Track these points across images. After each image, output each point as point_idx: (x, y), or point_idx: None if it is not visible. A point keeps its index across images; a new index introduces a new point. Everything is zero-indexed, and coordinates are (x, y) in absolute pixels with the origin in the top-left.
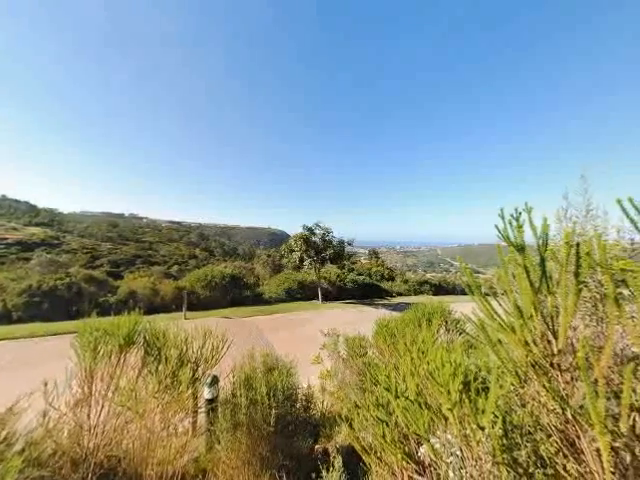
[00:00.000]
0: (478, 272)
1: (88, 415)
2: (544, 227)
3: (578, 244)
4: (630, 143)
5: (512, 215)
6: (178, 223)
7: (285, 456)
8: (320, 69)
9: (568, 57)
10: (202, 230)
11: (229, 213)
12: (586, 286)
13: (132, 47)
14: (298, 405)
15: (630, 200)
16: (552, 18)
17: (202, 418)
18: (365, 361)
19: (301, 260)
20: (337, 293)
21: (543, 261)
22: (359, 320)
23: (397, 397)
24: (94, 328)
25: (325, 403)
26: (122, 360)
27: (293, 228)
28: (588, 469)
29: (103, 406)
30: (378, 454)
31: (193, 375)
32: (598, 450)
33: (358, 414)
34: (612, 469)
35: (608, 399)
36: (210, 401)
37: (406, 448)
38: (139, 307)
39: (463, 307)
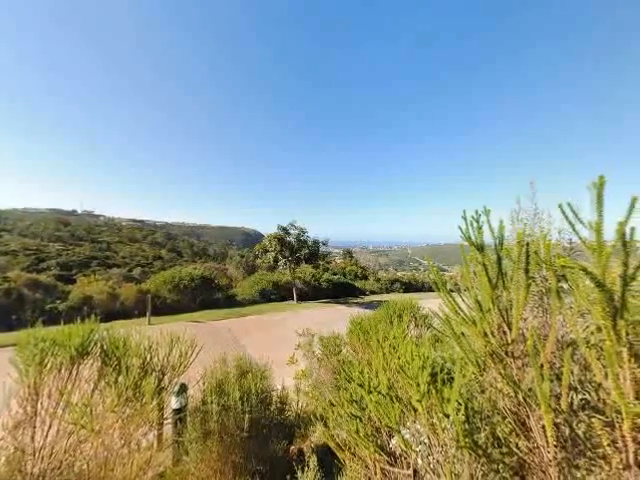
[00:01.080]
0: (444, 270)
1: (32, 437)
2: (500, 228)
3: (528, 244)
4: (577, 149)
5: (473, 217)
6: (141, 222)
7: (259, 461)
8: (291, 69)
9: (521, 66)
10: (169, 229)
11: (199, 212)
12: (534, 281)
13: (89, 31)
14: (273, 407)
15: (569, 205)
16: (507, 35)
17: (169, 430)
18: (340, 359)
19: (276, 260)
20: (312, 293)
21: (499, 259)
22: (334, 319)
23: (370, 392)
24: (40, 339)
25: (300, 403)
26: (74, 373)
27: (267, 228)
28: (536, 444)
29: (51, 426)
30: (352, 449)
31: (159, 385)
32: (544, 427)
33: (333, 412)
34: (555, 442)
35: (551, 381)
36: (178, 411)
37: (378, 441)
38: (95, 314)
39: (431, 303)
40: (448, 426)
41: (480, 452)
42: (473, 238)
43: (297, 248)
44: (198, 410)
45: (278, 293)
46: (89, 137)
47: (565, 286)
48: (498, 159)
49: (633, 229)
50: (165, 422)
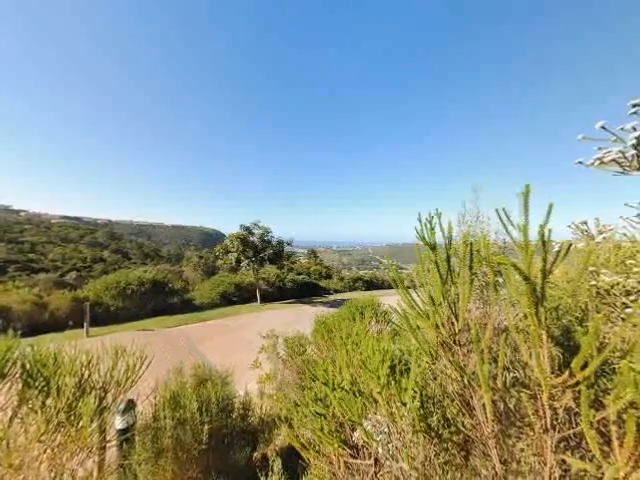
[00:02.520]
0: (402, 268)
1: None
2: (449, 230)
3: (471, 244)
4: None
5: (427, 219)
6: (77, 219)
7: (219, 473)
8: (259, 68)
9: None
10: (113, 228)
11: (151, 210)
12: (476, 277)
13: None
14: (235, 415)
15: (503, 209)
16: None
17: (113, 453)
18: (304, 359)
19: (238, 261)
20: (277, 293)
21: (449, 258)
22: (299, 319)
23: (334, 389)
24: None
25: (264, 407)
26: None
27: (230, 228)
28: (477, 421)
29: None
30: (317, 447)
31: (100, 404)
32: (484, 405)
33: (297, 412)
34: (492, 417)
35: (490, 364)
36: (124, 431)
37: (342, 436)
38: (14, 327)
39: (390, 300)
40: (405, 413)
41: (433, 434)
42: (427, 238)
43: (261, 248)
44: (149, 427)
45: (241, 295)
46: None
47: (500, 280)
48: (451, 164)
49: (550, 230)
50: (108, 445)
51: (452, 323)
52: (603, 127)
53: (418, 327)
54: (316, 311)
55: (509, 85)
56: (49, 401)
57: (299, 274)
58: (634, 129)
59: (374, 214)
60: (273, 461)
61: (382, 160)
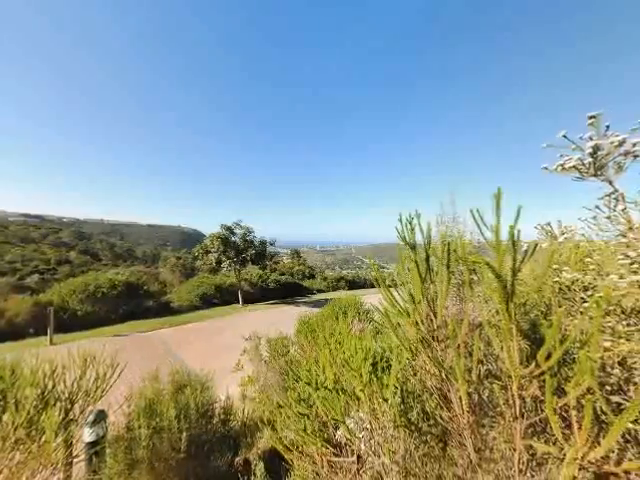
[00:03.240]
0: (383, 267)
1: None
2: (428, 230)
3: (449, 243)
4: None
5: (407, 219)
6: (39, 217)
7: None
8: (242, 67)
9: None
10: (80, 227)
11: (125, 208)
12: (453, 275)
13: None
14: (215, 420)
15: (477, 211)
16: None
17: (81, 468)
18: (287, 360)
19: (219, 262)
20: (259, 294)
21: (428, 257)
22: (282, 320)
23: (317, 389)
24: None
25: (246, 411)
26: None
27: (209, 228)
28: (454, 413)
29: None
30: (300, 448)
31: (66, 416)
32: (460, 397)
33: (281, 414)
34: (468, 409)
35: (465, 357)
36: (93, 444)
37: (325, 435)
38: None
39: (372, 299)
40: (387, 409)
41: (413, 428)
42: (407, 238)
43: (243, 248)
44: (121, 439)
45: (222, 297)
46: None
47: (475, 278)
48: (431, 166)
49: (519, 231)
50: (76, 460)
51: (431, 320)
52: (564, 136)
53: (399, 324)
54: (299, 311)
55: (487, 91)
56: (6, 416)
57: (282, 274)
58: (591, 139)
59: (357, 214)
60: (255, 465)
61: (365, 161)
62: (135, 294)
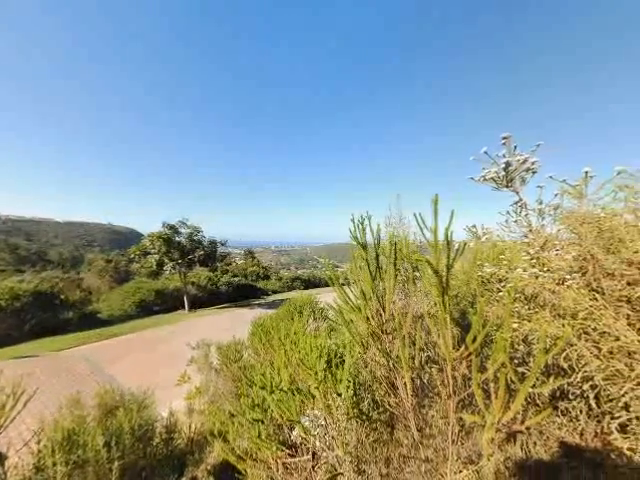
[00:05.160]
0: (337, 266)
1: None
2: (378, 230)
3: (395, 243)
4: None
5: (359, 220)
6: None
7: None
8: (203, 61)
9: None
10: None
11: (36, 203)
12: (399, 272)
13: None
14: (156, 441)
15: (420, 214)
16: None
17: None
18: (241, 365)
19: (160, 264)
20: (209, 298)
21: (377, 256)
22: (234, 324)
23: (272, 392)
24: None
25: (193, 426)
26: None
27: (151, 226)
28: (400, 398)
29: None
30: (254, 456)
31: None
32: (405, 383)
33: (233, 423)
34: (411, 393)
35: (410, 347)
36: None
37: (280, 437)
38: None
39: (327, 297)
40: (341, 403)
41: (364, 417)
42: (359, 238)
43: (190, 249)
44: None
45: (164, 303)
46: None
47: (418, 274)
48: (381, 172)
49: (452, 232)
50: None
51: (380, 314)
52: (485, 152)
53: (351, 321)
54: (254, 314)
55: (446, 99)
56: None
57: (235, 276)
58: (504, 156)
59: (312, 215)
60: None
61: (316, 162)
62: (48, 305)
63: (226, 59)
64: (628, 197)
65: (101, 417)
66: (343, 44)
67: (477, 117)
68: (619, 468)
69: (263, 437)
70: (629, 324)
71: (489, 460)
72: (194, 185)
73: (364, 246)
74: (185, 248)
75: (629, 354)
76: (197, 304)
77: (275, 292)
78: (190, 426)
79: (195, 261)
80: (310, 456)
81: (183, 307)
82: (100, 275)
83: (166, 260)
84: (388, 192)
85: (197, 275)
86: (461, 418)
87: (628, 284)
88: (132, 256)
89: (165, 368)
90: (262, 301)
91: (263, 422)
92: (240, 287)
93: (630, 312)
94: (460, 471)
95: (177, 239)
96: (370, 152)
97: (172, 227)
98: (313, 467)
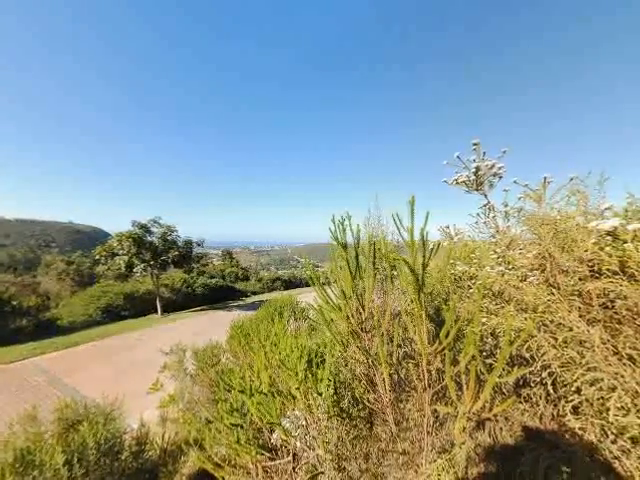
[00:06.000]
0: (318, 266)
1: None
2: (357, 231)
3: (374, 243)
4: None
5: (339, 221)
6: None
7: None
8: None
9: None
10: None
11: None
12: (378, 271)
13: None
14: (125, 455)
15: (397, 215)
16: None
17: None
18: (218, 369)
19: (130, 266)
20: (184, 301)
21: (357, 255)
22: (212, 327)
23: (252, 395)
24: None
25: (167, 435)
26: None
27: (119, 226)
28: (379, 394)
29: None
30: (232, 462)
31: None
32: (384, 379)
33: (210, 430)
34: (389, 388)
35: (388, 344)
36: None
37: (260, 441)
38: None
39: (308, 297)
40: (321, 402)
41: (344, 415)
42: (339, 238)
43: (163, 250)
44: None
45: (134, 307)
46: None
47: (395, 273)
48: (361, 173)
49: (427, 232)
50: None
51: (360, 313)
52: (458, 157)
53: (332, 320)
54: (232, 316)
55: (408, 104)
56: None
57: (212, 277)
58: (474, 161)
59: (293, 214)
60: None
61: (302, 162)
62: None
63: (204, 53)
64: (579, 201)
65: (61, 433)
66: (307, 53)
67: (452, 121)
68: (571, 447)
69: (242, 442)
70: (580, 316)
71: (461, 448)
72: (170, 185)
73: (344, 246)
74: (158, 248)
75: (580, 343)
76: (171, 308)
77: (255, 293)
78: (163, 436)
79: (169, 262)
80: (290, 458)
81: (156, 311)
82: (60, 278)
83: (136, 261)
84: (369, 192)
85: (171, 277)
86: (436, 410)
87: (579, 279)
88: (97, 257)
89: (135, 376)
90: (241, 303)
91: (242, 427)
92: (218, 289)
93: (581, 305)
94: (434, 460)
95: (149, 239)
96: (352, 152)
97: (143, 226)
98: (294, 468)
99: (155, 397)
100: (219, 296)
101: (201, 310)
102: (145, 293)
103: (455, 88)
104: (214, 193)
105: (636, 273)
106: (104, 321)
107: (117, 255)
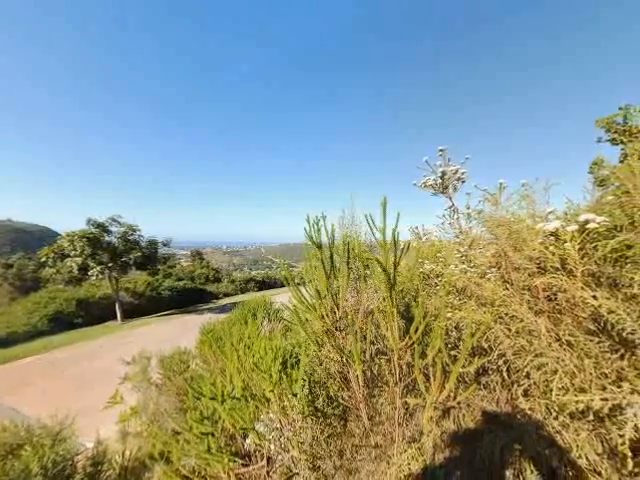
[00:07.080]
0: (293, 266)
1: None
2: (332, 231)
3: (348, 243)
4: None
5: (314, 221)
6: None
7: None
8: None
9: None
10: None
11: None
12: (352, 270)
13: None
14: (78, 477)
15: (370, 215)
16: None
17: None
18: (187, 377)
19: (84, 269)
20: (149, 306)
21: (332, 255)
22: (180, 333)
23: (223, 401)
24: None
25: (128, 452)
26: None
27: (73, 225)
28: (353, 391)
29: None
30: (202, 473)
31: None
32: (357, 376)
33: (177, 441)
34: (363, 385)
35: (361, 341)
36: None
37: (233, 448)
38: None
39: (283, 297)
40: (296, 403)
41: (319, 414)
42: (314, 238)
43: (123, 250)
44: None
45: (89, 314)
46: None
47: (368, 272)
48: (335, 172)
49: (399, 233)
50: None
51: (334, 312)
52: (426, 161)
53: (307, 320)
54: (203, 320)
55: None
56: None
57: (180, 279)
58: (440, 165)
59: (267, 214)
60: None
61: (273, 162)
62: None
63: (183, 48)
64: (528, 205)
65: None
66: (291, 53)
67: (417, 124)
68: (522, 427)
69: (213, 450)
70: (529, 308)
71: (428, 437)
72: (137, 184)
73: (319, 246)
74: (117, 249)
75: (529, 332)
76: (135, 313)
77: (227, 295)
78: (123, 453)
79: (130, 264)
80: (265, 462)
81: (115, 317)
82: None
83: (92, 263)
84: (344, 193)
85: (134, 280)
86: (406, 402)
87: (529, 275)
88: (44, 259)
89: (89, 391)
90: (212, 305)
91: (213, 435)
92: (186, 291)
93: (530, 298)
94: (405, 450)
95: (107, 239)
96: (328, 153)
97: (100, 225)
98: (268, 472)
99: (114, 411)
100: (188, 299)
101: (168, 315)
102: (102, 298)
103: (436, 91)
104: (184, 194)
105: (574, 269)
106: (52, 331)
107: (68, 257)
